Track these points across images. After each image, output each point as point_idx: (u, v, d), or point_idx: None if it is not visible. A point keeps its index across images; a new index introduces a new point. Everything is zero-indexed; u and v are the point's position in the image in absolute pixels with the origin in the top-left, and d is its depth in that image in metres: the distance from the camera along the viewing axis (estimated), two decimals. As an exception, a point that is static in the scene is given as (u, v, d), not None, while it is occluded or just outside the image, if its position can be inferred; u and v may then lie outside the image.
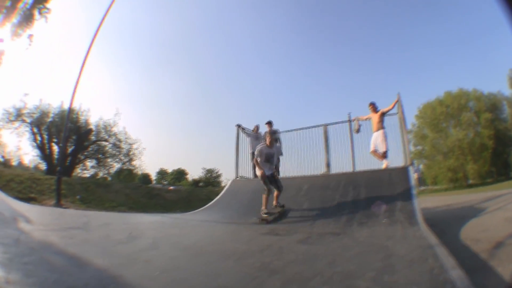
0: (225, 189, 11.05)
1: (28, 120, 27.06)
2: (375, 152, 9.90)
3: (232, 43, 75.59)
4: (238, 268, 3.43)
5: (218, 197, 10.57)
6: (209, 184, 42.50)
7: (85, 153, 27.76)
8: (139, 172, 32.51)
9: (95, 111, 45.67)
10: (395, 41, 72.62)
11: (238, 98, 76.19)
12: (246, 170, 12.33)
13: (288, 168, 12.19)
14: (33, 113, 27.25)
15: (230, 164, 12.05)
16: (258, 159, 8.08)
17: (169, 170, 56.84)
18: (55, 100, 48.77)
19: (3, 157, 27.70)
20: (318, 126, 11.97)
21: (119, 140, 28.15)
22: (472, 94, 41.93)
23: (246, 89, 79.57)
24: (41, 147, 27.36)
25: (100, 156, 27.61)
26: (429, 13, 67.46)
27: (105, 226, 6.79)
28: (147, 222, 8.51)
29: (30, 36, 20.79)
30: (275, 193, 8.22)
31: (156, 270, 3.27)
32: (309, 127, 12.15)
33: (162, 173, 55.58)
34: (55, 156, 27.09)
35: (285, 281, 2.82)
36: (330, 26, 74.20)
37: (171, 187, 34.11)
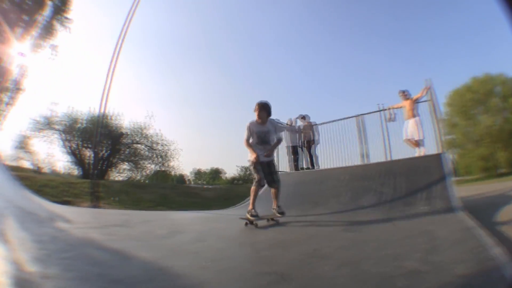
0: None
1: (58, 128, 27.44)
2: (409, 140, 9.78)
3: (255, 37, 75.46)
4: (288, 255, 3.44)
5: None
6: (246, 182, 42.23)
7: (119, 157, 27.93)
8: (176, 173, 32.43)
9: (128, 115, 46.20)
10: (421, 29, 70.96)
11: (267, 93, 75.95)
12: (283, 165, 12.52)
13: (325, 159, 12.36)
14: (63, 121, 27.63)
15: None
16: (250, 140, 6.36)
17: (204, 170, 56.96)
18: (84, 106, 49.66)
19: (35, 165, 28.06)
20: (351, 117, 12.00)
21: (154, 142, 28.21)
22: (498, 79, 39.94)
23: (273, 83, 79.40)
24: (73, 153, 27.73)
25: (134, 159, 27.74)
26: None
27: (146, 223, 6.79)
28: (188, 218, 8.56)
29: (55, 46, 21.41)
30: (272, 190, 6.51)
31: (205, 260, 3.22)
32: (342, 119, 12.29)
33: (198, 173, 55.66)
34: (87, 161, 27.43)
35: (337, 265, 2.84)
36: (354, 14, 73.05)
37: (206, 186, 34.10)
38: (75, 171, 28.39)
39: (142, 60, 68.77)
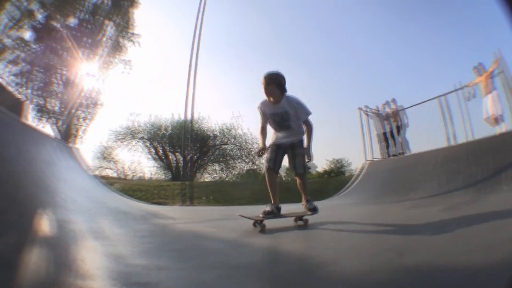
0: (361, 173, 11.09)
1: (142, 136, 28.80)
2: (489, 118, 9.21)
3: (330, 26, 73.92)
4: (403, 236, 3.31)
5: (355, 181, 10.57)
6: (340, 174, 41.90)
7: (208, 158, 28.74)
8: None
9: (214, 117, 47.37)
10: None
11: (347, 82, 73.97)
12: (375, 153, 12.43)
13: (413, 144, 12.04)
14: (146, 129, 28.96)
15: (357, 151, 12.08)
16: (266, 126, 4.89)
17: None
18: (166, 113, 51.78)
19: (120, 173, 29.54)
20: (432, 98, 11.51)
21: (243, 141, 28.70)
22: None
23: (351, 71, 77.32)
24: (160, 158, 28.99)
25: (224, 159, 28.48)
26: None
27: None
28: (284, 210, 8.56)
29: (127, 61, 22.14)
30: (298, 181, 4.96)
31: (329, 242, 3.35)
32: (425, 101, 11.75)
33: (289, 169, 55.88)
34: (175, 165, 28.47)
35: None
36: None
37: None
38: (163, 176, 29.67)
39: (219, 63, 70.13)
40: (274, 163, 4.72)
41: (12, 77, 15.39)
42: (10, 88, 9.05)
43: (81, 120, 20.37)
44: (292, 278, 2.09)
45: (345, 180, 14.48)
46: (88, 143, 29.99)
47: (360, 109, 12.32)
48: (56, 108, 19.23)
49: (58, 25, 19.34)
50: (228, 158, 28.58)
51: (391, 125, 12.35)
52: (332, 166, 48.80)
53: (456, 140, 10.34)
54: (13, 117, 5.85)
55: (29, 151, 4.88)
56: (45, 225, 2.88)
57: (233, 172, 29.08)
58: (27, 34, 17.95)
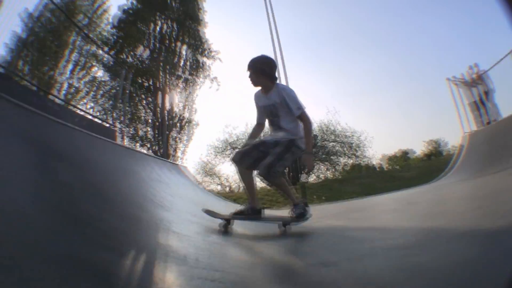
0: (463, 147, 10.53)
1: (238, 147, 29.48)
2: None
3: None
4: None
5: (460, 158, 10.10)
6: (438, 155, 39.74)
7: (313, 158, 28.67)
8: (371, 162, 31.42)
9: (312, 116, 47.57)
10: None
11: (430, 59, 70.22)
12: (471, 124, 11.56)
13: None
14: (242, 138, 29.66)
15: (451, 128, 11.49)
16: (262, 121, 4.25)
17: (394, 154, 55.18)
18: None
19: (224, 186, 30.23)
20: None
21: (343, 136, 28.31)
22: None
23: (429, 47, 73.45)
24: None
25: (327, 157, 28.32)
26: None
27: (371, 207, 6.63)
28: (407, 196, 8.16)
29: (214, 78, 22.62)
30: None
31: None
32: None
33: (390, 159, 54.23)
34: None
35: None
36: None
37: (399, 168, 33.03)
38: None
39: (302, 64, 70.25)
40: (241, 157, 3.96)
41: (97, 111, 16.16)
42: (98, 121, 9.83)
43: (177, 141, 21.25)
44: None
45: (446, 159, 13.65)
46: (189, 162, 31.27)
47: (448, 79, 11.68)
48: (149, 135, 20.42)
49: (128, 59, 20.86)
50: (330, 155, 28.27)
51: (479, 91, 11.55)
52: (430, 147, 46.56)
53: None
54: (121, 144, 6.50)
55: (139, 171, 5.25)
56: (180, 239, 2.91)
57: (337, 168, 28.74)
58: (100, 73, 19.67)
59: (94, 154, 4.42)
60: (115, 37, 21.53)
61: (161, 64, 21.30)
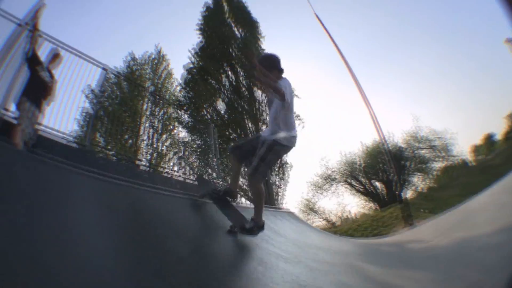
0: None
1: (339, 178, 29.45)
2: None
3: None
4: None
5: None
6: None
7: (407, 172, 27.91)
8: (459, 160, 30.06)
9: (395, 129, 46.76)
10: None
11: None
12: None
13: None
14: (341, 169, 29.60)
15: None
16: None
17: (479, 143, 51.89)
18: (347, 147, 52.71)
19: (329, 220, 30.21)
20: None
21: (430, 141, 27.42)
22: None
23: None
24: (363, 192, 29.22)
25: (420, 166, 27.41)
26: None
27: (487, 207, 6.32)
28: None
29: (296, 116, 21.97)
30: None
31: None
32: None
33: (476, 150, 50.97)
34: (379, 192, 28.35)
35: None
36: None
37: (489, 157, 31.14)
38: (371, 206, 29.72)
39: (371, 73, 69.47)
40: (234, 149, 4.35)
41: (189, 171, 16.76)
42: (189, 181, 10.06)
43: (277, 185, 21.03)
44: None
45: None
46: (289, 204, 31.56)
47: (508, 40, 10.75)
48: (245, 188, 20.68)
49: (208, 115, 21.59)
50: (423, 163, 27.22)
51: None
52: (510, 123, 43.10)
53: None
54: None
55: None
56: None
57: (432, 175, 27.57)
58: (182, 133, 20.85)
59: (197, 216, 4.45)
60: (187, 97, 22.54)
61: (244, 112, 21.74)
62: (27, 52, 5.29)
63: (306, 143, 65.80)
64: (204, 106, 21.84)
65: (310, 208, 29.68)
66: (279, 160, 4.29)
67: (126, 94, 19.39)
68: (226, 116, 21.71)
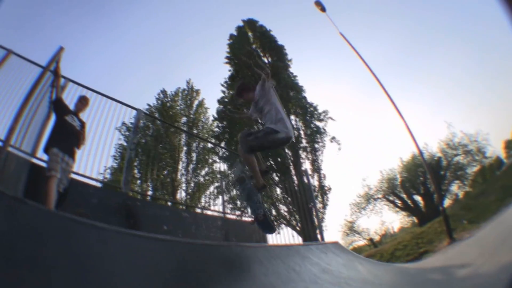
0: None
1: (378, 196, 29.40)
2: None
3: None
4: None
5: None
6: None
7: (447, 182, 27.46)
8: (492, 161, 29.33)
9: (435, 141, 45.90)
10: None
11: None
12: None
13: None
14: (382, 186, 29.54)
15: None
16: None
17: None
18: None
19: (369, 240, 30.12)
20: None
21: (463, 146, 27.00)
22: None
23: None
24: (403, 207, 28.82)
25: (458, 173, 26.99)
26: None
27: None
28: None
29: (333, 139, 22.36)
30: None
31: None
32: None
33: (508, 145, 49.06)
34: (418, 206, 28.04)
35: None
36: None
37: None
38: (411, 222, 29.43)
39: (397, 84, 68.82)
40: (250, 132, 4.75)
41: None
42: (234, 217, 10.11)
43: (319, 212, 20.92)
44: None
45: None
46: (329, 228, 31.78)
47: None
48: (286, 214, 20.62)
49: None
50: (457, 170, 26.82)
51: None
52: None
53: None
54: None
55: (301, 266, 5.40)
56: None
57: (470, 181, 27.06)
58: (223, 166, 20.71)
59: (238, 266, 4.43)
60: (221, 127, 22.87)
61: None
62: (51, 97, 5.35)
63: (346, 164, 65.66)
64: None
65: (353, 230, 29.78)
66: (274, 146, 4.48)
67: (161, 131, 19.92)
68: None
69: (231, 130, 21.79)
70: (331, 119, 22.82)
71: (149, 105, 26.52)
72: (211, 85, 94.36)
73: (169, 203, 20.12)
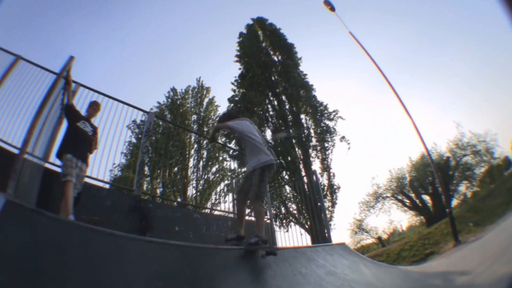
0: None
1: (387, 195, 29.48)
2: None
3: None
4: None
5: None
6: None
7: (454, 182, 27.34)
8: (500, 161, 29.08)
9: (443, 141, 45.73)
10: None
11: None
12: None
13: None
14: (391, 185, 29.60)
15: None
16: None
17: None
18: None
19: (377, 238, 30.25)
20: None
21: (472, 146, 26.85)
22: None
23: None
24: (411, 206, 28.87)
25: (466, 174, 26.87)
26: None
27: None
28: None
29: (342, 138, 22.42)
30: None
31: None
32: None
33: None
34: (426, 206, 28.05)
35: None
36: None
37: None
38: (419, 221, 29.48)
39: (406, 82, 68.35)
40: (239, 190, 5.17)
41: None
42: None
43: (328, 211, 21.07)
44: None
45: None
46: (337, 226, 31.96)
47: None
48: (295, 212, 20.87)
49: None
50: (465, 171, 26.70)
51: None
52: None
53: None
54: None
55: (311, 267, 5.58)
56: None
57: (478, 182, 26.93)
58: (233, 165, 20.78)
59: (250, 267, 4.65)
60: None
61: (293, 139, 22.19)
62: (62, 103, 5.38)
63: (355, 162, 65.51)
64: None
65: (361, 228, 29.97)
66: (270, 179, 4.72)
67: (171, 128, 20.10)
68: (272, 143, 22.00)
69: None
70: (341, 118, 22.89)
71: (159, 103, 26.71)
72: (222, 83, 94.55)
73: (179, 199, 20.49)
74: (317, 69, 71.47)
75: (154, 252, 3.55)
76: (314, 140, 22.36)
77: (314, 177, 9.93)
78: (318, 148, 22.06)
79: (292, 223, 19.75)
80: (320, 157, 21.98)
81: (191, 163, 23.52)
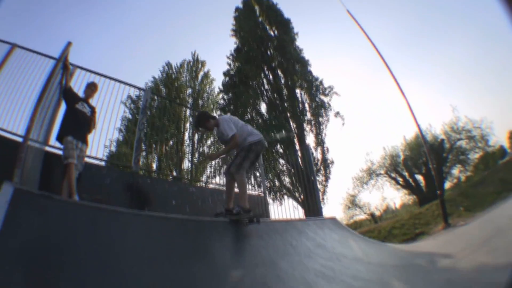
0: None
1: (381, 172, 29.83)
2: None
3: None
4: None
5: None
6: None
7: (448, 164, 27.70)
8: (495, 149, 29.31)
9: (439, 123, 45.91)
10: None
11: None
12: None
13: None
14: (385, 162, 29.96)
15: None
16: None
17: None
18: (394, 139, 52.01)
19: (369, 214, 30.83)
20: None
21: (467, 131, 27.07)
22: None
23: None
24: (404, 185, 29.54)
25: (461, 158, 27.19)
26: None
27: None
28: None
29: (337, 114, 22.68)
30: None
31: None
32: None
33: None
34: (419, 185, 28.65)
35: None
36: None
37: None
38: (411, 201, 30.00)
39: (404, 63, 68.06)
40: (228, 168, 5.47)
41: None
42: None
43: (321, 185, 21.27)
44: None
45: None
46: (330, 201, 32.44)
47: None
48: (289, 186, 21.01)
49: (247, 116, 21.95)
50: (462, 155, 27.00)
51: None
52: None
53: None
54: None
55: (298, 241, 5.81)
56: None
57: (472, 167, 27.31)
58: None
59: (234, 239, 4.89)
60: (227, 99, 23.29)
61: (288, 114, 22.34)
62: (60, 87, 5.41)
63: (349, 138, 65.56)
64: (247, 109, 22.44)
65: (354, 204, 30.52)
66: (257, 157, 4.87)
67: (166, 103, 20.11)
68: (267, 116, 22.33)
69: (236, 102, 22.23)
70: (336, 94, 23.03)
71: (154, 77, 26.71)
72: (217, 57, 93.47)
73: (175, 173, 20.68)
74: (314, 45, 70.98)
75: (156, 226, 3.81)
76: (308, 114, 22.45)
77: (307, 151, 10.08)
78: (313, 122, 22.22)
79: (285, 196, 19.98)
80: (314, 132, 22.18)
81: (186, 136, 23.72)
